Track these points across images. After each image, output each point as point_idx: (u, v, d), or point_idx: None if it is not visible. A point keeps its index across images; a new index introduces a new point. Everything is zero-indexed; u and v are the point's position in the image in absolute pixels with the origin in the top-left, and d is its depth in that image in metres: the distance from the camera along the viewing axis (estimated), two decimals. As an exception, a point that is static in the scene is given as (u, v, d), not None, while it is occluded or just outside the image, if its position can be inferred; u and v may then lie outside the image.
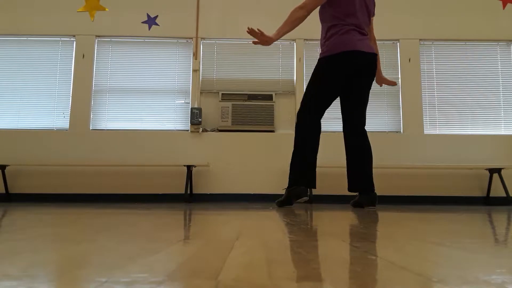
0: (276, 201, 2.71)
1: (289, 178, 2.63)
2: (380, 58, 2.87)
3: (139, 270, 0.50)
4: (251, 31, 2.48)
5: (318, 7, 2.67)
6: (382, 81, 2.94)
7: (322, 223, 1.32)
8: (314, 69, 2.69)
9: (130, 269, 0.50)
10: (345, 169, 4.55)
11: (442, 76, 4.82)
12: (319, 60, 2.68)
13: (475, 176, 4.56)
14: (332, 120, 4.73)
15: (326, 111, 2.73)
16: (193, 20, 4.78)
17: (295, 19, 2.51)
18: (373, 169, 4.51)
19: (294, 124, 4.68)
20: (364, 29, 2.65)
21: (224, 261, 0.56)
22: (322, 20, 2.72)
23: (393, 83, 2.93)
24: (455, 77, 4.81)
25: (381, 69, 4.78)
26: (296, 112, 2.74)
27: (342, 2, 2.59)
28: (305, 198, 2.62)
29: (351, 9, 2.59)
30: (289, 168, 2.69)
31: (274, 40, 2.53)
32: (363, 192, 2.65)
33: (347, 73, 2.60)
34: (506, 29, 4.84)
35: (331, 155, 4.57)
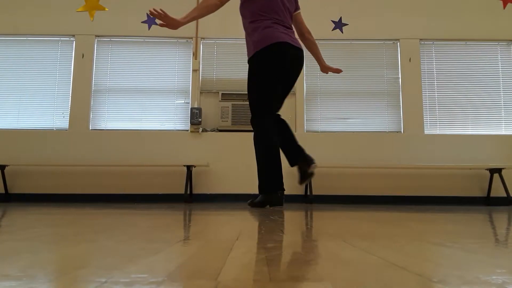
0: (249, 201, 2.66)
1: (264, 182, 2.56)
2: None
3: (139, 270, 0.50)
4: (151, 13, 2.35)
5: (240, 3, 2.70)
6: (327, 69, 2.96)
7: (322, 223, 1.32)
8: (248, 73, 2.64)
9: (130, 269, 0.50)
10: (345, 169, 4.56)
11: (443, 76, 4.81)
12: (248, 62, 2.65)
13: (476, 176, 4.56)
14: (331, 120, 4.73)
15: (280, 104, 2.71)
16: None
17: (206, 6, 2.47)
18: (374, 169, 4.54)
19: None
20: (287, 23, 2.65)
21: (224, 262, 0.56)
22: (243, 16, 2.71)
23: (339, 71, 2.94)
24: (456, 77, 4.81)
25: (379, 68, 4.79)
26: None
27: None
28: (280, 207, 2.57)
29: (270, 4, 2.59)
30: (259, 171, 2.63)
31: (182, 24, 2.42)
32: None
33: (279, 64, 2.55)
34: (507, 29, 4.84)
35: (331, 155, 4.57)
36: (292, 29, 2.70)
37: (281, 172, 2.56)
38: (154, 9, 2.34)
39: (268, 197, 2.53)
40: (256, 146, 2.55)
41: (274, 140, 2.54)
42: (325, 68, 2.95)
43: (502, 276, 0.48)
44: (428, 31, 4.83)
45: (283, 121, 2.73)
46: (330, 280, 0.45)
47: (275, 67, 2.53)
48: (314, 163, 2.59)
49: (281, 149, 2.65)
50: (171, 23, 2.41)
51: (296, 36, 2.75)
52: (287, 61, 2.55)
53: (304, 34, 2.82)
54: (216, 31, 4.80)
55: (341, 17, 4.75)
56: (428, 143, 4.62)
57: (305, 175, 2.60)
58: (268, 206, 2.54)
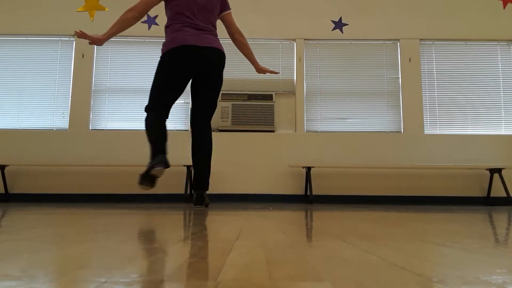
0: (207, 204, 2.70)
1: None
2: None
3: (139, 270, 0.50)
4: (76, 34, 2.58)
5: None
6: (262, 70, 2.95)
7: (322, 223, 1.32)
8: None
9: (130, 269, 0.50)
10: (345, 169, 4.56)
11: (443, 76, 4.81)
12: None
13: (476, 176, 4.56)
14: (331, 120, 4.73)
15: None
16: (193, 20, 4.79)
17: (123, 20, 2.59)
18: (374, 169, 4.54)
19: (294, 123, 4.69)
20: (203, 26, 2.65)
21: (224, 262, 0.56)
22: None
23: (275, 72, 2.96)
24: (456, 77, 4.81)
25: (379, 68, 4.79)
26: (210, 119, 2.78)
27: (173, 3, 2.65)
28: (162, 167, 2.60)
29: (181, 9, 2.65)
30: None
31: (104, 40, 2.60)
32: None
33: (180, 67, 2.60)
34: (507, 29, 4.84)
35: (331, 155, 4.57)
36: (209, 29, 2.67)
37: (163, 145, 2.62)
38: (75, 31, 2.59)
39: (154, 159, 2.59)
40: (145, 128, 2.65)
41: (152, 133, 2.61)
42: (260, 70, 2.94)
43: (502, 276, 0.48)
44: (428, 31, 4.84)
45: (205, 135, 2.69)
46: (330, 280, 0.45)
47: (174, 69, 2.60)
48: (202, 204, 2.64)
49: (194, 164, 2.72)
50: (93, 40, 2.60)
51: (228, 36, 2.82)
52: (191, 63, 2.60)
53: (234, 35, 2.79)
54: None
55: (341, 17, 4.75)
56: (428, 143, 4.62)
57: (197, 202, 2.66)
58: (155, 170, 2.57)
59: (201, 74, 2.67)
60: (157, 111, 2.63)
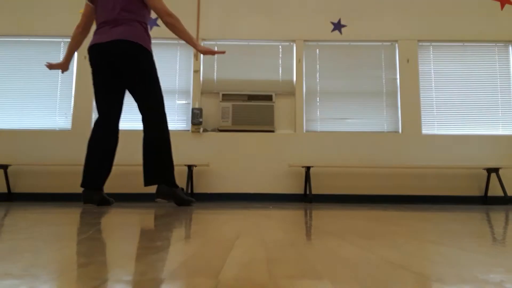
0: (176, 200, 2.67)
1: (171, 177, 2.63)
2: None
3: (139, 269, 0.50)
4: (47, 66, 2.89)
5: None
6: (205, 52, 2.73)
7: (321, 222, 1.32)
8: None
9: (131, 268, 0.51)
10: (344, 169, 4.56)
11: (440, 77, 4.82)
12: None
13: (473, 176, 4.56)
14: (330, 120, 4.74)
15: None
16: (193, 21, 4.78)
17: (72, 38, 2.85)
18: (372, 169, 4.55)
19: (293, 123, 4.70)
20: (107, 20, 2.64)
21: (224, 260, 0.57)
22: None
23: (221, 52, 2.72)
24: (453, 78, 4.82)
25: (378, 69, 4.80)
26: (156, 109, 2.67)
27: (97, 8, 2.74)
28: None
29: (97, 9, 2.73)
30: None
31: (66, 63, 2.91)
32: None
33: (92, 69, 2.70)
34: (504, 30, 4.85)
35: (330, 155, 4.58)
36: (118, 21, 2.62)
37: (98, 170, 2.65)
38: (45, 64, 2.90)
39: (181, 192, 2.69)
40: (167, 136, 2.70)
41: (91, 143, 2.66)
42: (202, 51, 2.73)
43: (500, 274, 0.48)
44: (426, 32, 4.84)
45: (145, 134, 2.66)
46: (329, 279, 0.45)
47: (92, 71, 2.73)
48: (157, 197, 2.65)
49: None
50: (59, 67, 2.89)
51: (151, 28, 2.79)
52: (95, 62, 2.67)
53: (162, 19, 2.64)
54: (217, 32, 4.80)
55: (340, 18, 4.76)
56: (426, 143, 4.63)
57: (160, 195, 2.66)
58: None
59: (112, 69, 2.65)
60: (95, 124, 2.74)
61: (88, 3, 2.82)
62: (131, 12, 2.64)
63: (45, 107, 4.69)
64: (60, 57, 4.79)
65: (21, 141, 4.57)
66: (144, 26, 2.69)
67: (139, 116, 4.68)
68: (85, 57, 4.73)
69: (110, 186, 4.48)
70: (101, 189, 2.69)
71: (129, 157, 4.55)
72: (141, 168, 4.54)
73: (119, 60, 2.60)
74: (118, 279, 0.44)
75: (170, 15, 2.63)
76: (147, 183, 2.64)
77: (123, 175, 4.52)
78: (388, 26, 4.84)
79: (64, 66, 2.90)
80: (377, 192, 4.52)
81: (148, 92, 2.65)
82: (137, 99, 2.68)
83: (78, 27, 2.84)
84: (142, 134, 4.69)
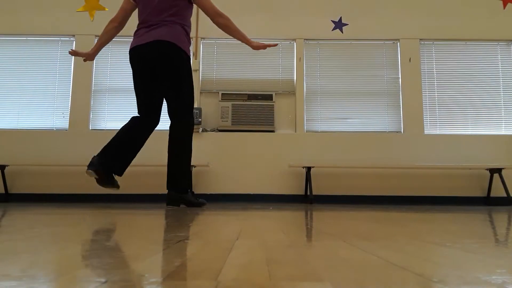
0: (187, 205, 2.68)
1: (182, 183, 2.64)
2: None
3: (139, 270, 0.50)
4: (71, 53, 2.84)
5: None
6: (258, 47, 2.72)
7: (322, 223, 1.32)
8: None
9: (130, 269, 0.50)
10: (345, 169, 4.56)
11: (443, 76, 4.81)
12: None
13: (476, 176, 4.56)
14: (331, 120, 4.73)
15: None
16: (193, 19, 4.78)
17: (105, 32, 2.80)
18: (374, 169, 4.54)
19: (293, 123, 4.69)
20: (150, 21, 2.63)
21: (224, 262, 0.56)
22: None
23: (273, 45, 2.73)
24: (456, 77, 4.81)
25: (379, 68, 4.79)
26: (192, 115, 2.68)
27: (139, 6, 2.73)
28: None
29: (141, 10, 2.71)
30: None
31: (94, 54, 2.86)
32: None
33: (132, 70, 2.71)
34: (507, 29, 4.84)
35: (331, 155, 4.57)
36: (161, 23, 2.60)
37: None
38: (69, 51, 2.84)
39: (192, 196, 2.74)
40: (190, 141, 2.73)
41: (121, 135, 2.63)
42: (255, 47, 2.71)
43: (502, 276, 0.48)
44: (428, 31, 4.84)
45: (170, 135, 2.66)
46: (330, 280, 0.45)
47: (132, 73, 2.73)
48: (173, 205, 2.66)
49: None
50: (85, 56, 2.84)
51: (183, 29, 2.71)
52: (137, 64, 2.67)
53: (213, 19, 2.62)
54: (216, 31, 4.79)
55: (341, 17, 4.75)
56: (428, 143, 4.62)
57: (170, 202, 2.68)
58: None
59: (143, 74, 2.65)
60: (132, 120, 2.74)
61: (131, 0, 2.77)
62: (173, 14, 2.62)
63: (42, 107, 4.69)
64: (58, 56, 4.78)
65: (18, 141, 4.57)
66: (185, 29, 2.67)
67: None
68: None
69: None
70: (113, 170, 2.60)
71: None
72: (141, 169, 4.54)
73: (156, 62, 2.60)
74: (117, 280, 0.43)
75: (221, 15, 2.62)
76: (167, 186, 2.68)
77: (123, 176, 4.52)
78: (390, 25, 4.84)
79: (91, 56, 2.85)
80: (378, 193, 4.52)
81: (177, 96, 2.64)
82: (166, 101, 2.70)
83: (113, 21, 2.78)
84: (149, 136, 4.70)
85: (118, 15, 2.79)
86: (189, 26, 2.72)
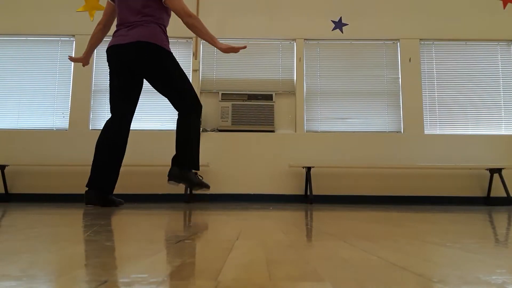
0: (188, 183, 2.67)
1: (185, 160, 2.65)
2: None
3: (139, 270, 0.50)
4: (70, 59, 3.03)
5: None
6: (226, 50, 2.75)
7: (322, 223, 1.32)
8: None
9: (130, 269, 0.50)
10: (345, 169, 4.56)
11: (443, 76, 4.81)
12: None
13: (476, 176, 4.56)
14: (331, 120, 4.73)
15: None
16: (193, 20, 4.78)
17: (92, 36, 2.95)
18: (374, 169, 4.54)
19: (294, 123, 4.69)
20: (126, 22, 2.66)
21: (224, 261, 0.56)
22: None
23: (242, 47, 2.74)
24: (456, 77, 4.81)
25: (379, 68, 4.79)
26: (194, 101, 2.69)
27: (116, 8, 2.77)
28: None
29: (117, 9, 2.76)
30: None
31: (86, 58, 3.00)
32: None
33: (110, 69, 2.75)
34: (507, 29, 4.84)
35: (331, 155, 4.57)
36: (136, 23, 2.63)
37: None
38: (68, 57, 3.04)
39: (196, 176, 2.74)
40: (198, 126, 2.76)
41: (99, 141, 2.74)
42: (224, 50, 2.73)
43: (502, 276, 0.48)
44: (428, 31, 4.83)
45: (178, 123, 2.70)
46: (330, 280, 0.45)
47: (109, 71, 2.77)
48: (170, 179, 2.69)
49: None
50: (80, 61, 3.00)
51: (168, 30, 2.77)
52: (114, 64, 2.71)
53: (182, 20, 2.63)
54: (216, 31, 4.80)
55: (341, 17, 4.75)
56: (428, 143, 4.62)
57: (171, 177, 2.69)
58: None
59: (122, 73, 2.69)
60: (108, 121, 2.79)
61: (109, 1, 2.84)
62: (149, 14, 2.65)
63: (42, 107, 4.69)
64: (58, 56, 4.78)
65: (18, 141, 4.57)
66: (162, 28, 2.70)
67: (142, 116, 4.71)
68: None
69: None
70: (105, 191, 2.68)
71: (127, 157, 4.55)
72: (142, 169, 4.54)
73: (136, 62, 2.63)
74: (117, 280, 0.43)
75: (190, 15, 2.64)
76: (171, 162, 2.71)
77: (123, 176, 4.51)
78: (390, 25, 4.84)
79: (84, 60, 2.99)
80: (378, 193, 4.52)
81: (170, 89, 2.67)
82: (168, 99, 2.73)
83: (98, 24, 2.89)
84: (141, 135, 4.70)
85: (102, 18, 2.90)
86: (166, 26, 2.76)
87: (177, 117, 2.73)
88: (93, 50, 2.99)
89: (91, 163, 4.46)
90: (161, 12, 2.69)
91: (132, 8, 2.65)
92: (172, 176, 2.67)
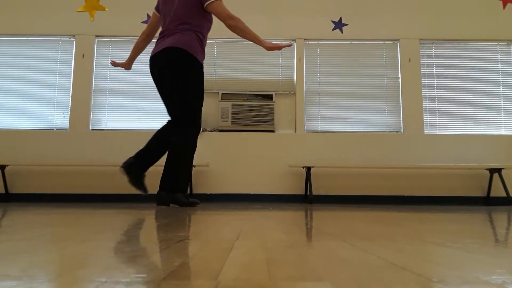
0: (180, 203, 2.67)
1: (180, 182, 2.65)
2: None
3: (139, 270, 0.50)
4: (112, 63, 3.09)
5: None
6: (271, 48, 2.68)
7: (322, 223, 1.32)
8: None
9: (130, 269, 0.50)
10: (345, 169, 4.56)
11: (442, 76, 4.81)
12: None
13: (476, 176, 4.56)
14: (331, 120, 4.73)
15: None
16: (193, 20, 4.78)
17: (136, 44, 3.04)
18: (374, 169, 4.54)
19: (295, 124, 4.69)
20: (167, 29, 2.71)
21: (224, 261, 0.56)
22: None
23: (287, 45, 2.69)
24: (456, 77, 4.81)
25: (379, 69, 4.79)
26: (183, 118, 2.68)
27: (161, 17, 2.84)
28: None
29: (161, 18, 2.83)
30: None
31: (129, 63, 3.10)
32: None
33: (152, 77, 2.81)
34: (506, 29, 4.84)
35: (331, 155, 4.57)
36: (175, 30, 2.66)
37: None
38: (110, 62, 3.11)
39: (186, 196, 2.74)
40: (194, 144, 2.74)
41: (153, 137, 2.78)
42: (268, 48, 2.69)
43: (502, 276, 0.48)
44: (428, 31, 4.83)
45: (171, 139, 2.70)
46: (330, 280, 0.45)
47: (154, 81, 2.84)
48: (162, 204, 2.69)
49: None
50: (122, 66, 3.08)
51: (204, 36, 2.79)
52: (152, 72, 2.78)
53: (225, 22, 2.64)
54: (216, 31, 4.79)
55: (341, 17, 4.75)
56: (428, 143, 4.62)
57: (159, 202, 2.69)
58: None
59: (158, 82, 2.75)
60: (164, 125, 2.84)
61: (155, 12, 2.92)
62: (187, 22, 2.68)
63: (42, 107, 4.69)
64: (58, 56, 4.78)
65: (19, 141, 4.57)
66: (198, 35, 2.71)
67: (142, 116, 4.71)
68: (83, 56, 4.72)
69: (112, 186, 4.48)
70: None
71: (128, 157, 4.54)
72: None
73: (166, 67, 2.65)
74: (117, 280, 0.43)
75: (233, 17, 2.64)
76: (159, 186, 2.70)
77: (123, 176, 4.51)
78: (390, 25, 4.84)
79: (127, 66, 3.09)
80: (378, 192, 4.52)
81: (181, 103, 2.65)
82: (172, 102, 2.72)
83: (142, 33, 3.00)
84: (142, 135, 4.70)
85: (146, 28, 2.99)
86: (205, 33, 2.76)
87: (171, 132, 2.69)
88: (136, 57, 3.08)
89: (91, 163, 4.49)
90: (201, 19, 2.72)
91: (172, 16, 2.71)
92: (161, 201, 2.67)
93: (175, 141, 2.64)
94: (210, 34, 4.79)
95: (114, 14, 4.77)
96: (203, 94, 2.73)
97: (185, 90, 2.64)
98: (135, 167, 2.72)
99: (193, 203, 2.72)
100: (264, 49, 2.78)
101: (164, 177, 2.66)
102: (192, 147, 2.68)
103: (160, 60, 2.66)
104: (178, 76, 2.63)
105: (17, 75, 4.74)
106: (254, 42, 2.68)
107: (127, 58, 3.10)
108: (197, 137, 2.71)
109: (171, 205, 2.81)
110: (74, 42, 4.77)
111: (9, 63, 4.77)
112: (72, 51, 4.76)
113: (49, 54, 4.78)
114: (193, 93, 2.65)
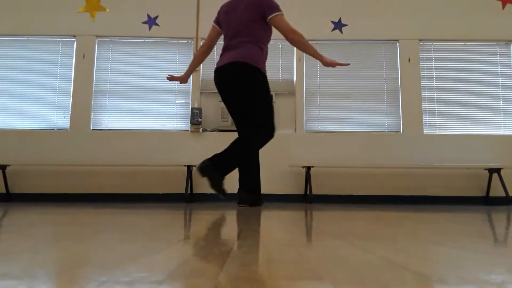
0: (251, 202, 2.83)
1: (253, 182, 2.83)
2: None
3: (139, 269, 0.50)
4: (169, 78, 3.09)
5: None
6: (329, 64, 2.83)
7: (322, 223, 1.32)
8: None
9: (130, 268, 0.50)
10: (345, 169, 4.56)
11: (442, 76, 4.81)
12: None
13: (475, 176, 4.56)
14: (331, 120, 4.73)
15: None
16: (193, 20, 4.78)
17: (195, 56, 3.08)
18: (373, 169, 4.54)
19: (295, 124, 4.69)
20: (231, 43, 2.78)
21: (224, 261, 0.57)
22: None
23: (343, 64, 2.84)
24: (455, 77, 4.81)
25: (379, 69, 4.79)
26: (250, 127, 2.77)
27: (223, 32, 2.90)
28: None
29: (223, 32, 2.89)
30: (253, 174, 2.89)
31: (186, 77, 3.10)
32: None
33: (218, 89, 2.88)
34: (506, 30, 4.84)
35: (331, 155, 4.57)
36: (238, 44, 2.74)
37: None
38: (167, 76, 3.09)
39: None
40: (258, 147, 2.88)
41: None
42: (326, 64, 2.83)
43: (501, 275, 0.48)
44: (427, 31, 4.84)
45: (237, 141, 2.78)
46: (330, 279, 0.45)
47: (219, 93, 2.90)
48: (244, 203, 2.82)
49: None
50: (180, 80, 3.07)
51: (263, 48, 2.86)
52: (219, 84, 2.83)
53: (287, 36, 2.75)
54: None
55: (341, 17, 4.75)
56: (427, 143, 4.62)
57: (241, 201, 2.82)
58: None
59: (224, 94, 2.82)
60: None
61: (215, 25, 2.97)
62: (249, 35, 2.75)
63: (43, 107, 4.69)
64: (59, 56, 4.78)
65: (20, 142, 4.57)
66: (261, 47, 2.79)
67: (142, 116, 4.71)
68: (83, 56, 4.72)
69: (112, 186, 4.48)
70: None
71: (128, 157, 4.54)
72: (142, 168, 4.54)
73: (233, 82, 2.73)
74: (117, 280, 0.44)
75: (295, 32, 2.72)
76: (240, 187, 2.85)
77: (124, 175, 4.52)
78: (389, 25, 4.84)
79: (184, 80, 3.10)
80: (378, 192, 4.52)
81: (248, 115, 2.75)
82: (238, 116, 2.82)
83: (202, 46, 3.04)
84: (141, 135, 4.69)
85: (206, 41, 3.03)
86: (266, 43, 2.85)
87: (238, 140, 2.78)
88: (194, 70, 3.10)
89: (92, 163, 4.49)
90: (263, 31, 2.80)
91: (235, 30, 2.77)
92: (242, 200, 2.82)
93: (243, 150, 2.74)
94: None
95: (115, 15, 4.77)
96: (271, 100, 2.85)
97: (254, 102, 2.74)
98: (212, 168, 2.78)
99: (262, 203, 2.88)
100: (332, 67, 2.88)
101: (240, 178, 2.84)
102: (256, 151, 2.82)
103: (226, 74, 2.74)
104: (245, 90, 2.72)
105: (18, 75, 4.74)
106: (314, 56, 2.78)
107: (185, 71, 3.09)
108: (267, 140, 2.80)
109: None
110: (75, 42, 4.77)
111: (10, 63, 4.77)
112: (73, 51, 4.76)
113: (50, 54, 4.78)
114: (261, 104, 2.75)
